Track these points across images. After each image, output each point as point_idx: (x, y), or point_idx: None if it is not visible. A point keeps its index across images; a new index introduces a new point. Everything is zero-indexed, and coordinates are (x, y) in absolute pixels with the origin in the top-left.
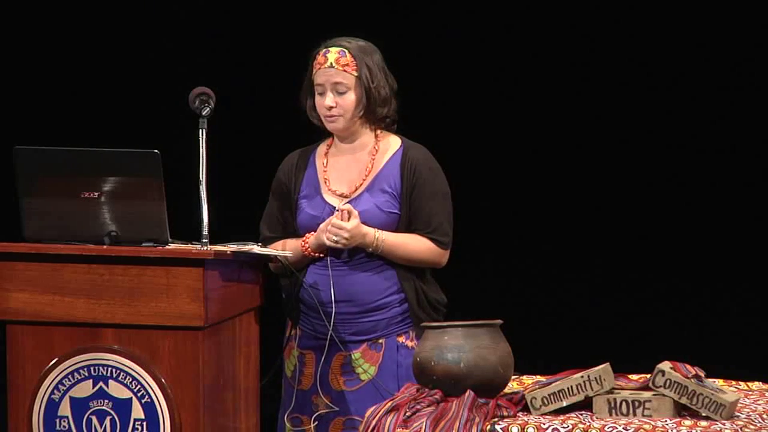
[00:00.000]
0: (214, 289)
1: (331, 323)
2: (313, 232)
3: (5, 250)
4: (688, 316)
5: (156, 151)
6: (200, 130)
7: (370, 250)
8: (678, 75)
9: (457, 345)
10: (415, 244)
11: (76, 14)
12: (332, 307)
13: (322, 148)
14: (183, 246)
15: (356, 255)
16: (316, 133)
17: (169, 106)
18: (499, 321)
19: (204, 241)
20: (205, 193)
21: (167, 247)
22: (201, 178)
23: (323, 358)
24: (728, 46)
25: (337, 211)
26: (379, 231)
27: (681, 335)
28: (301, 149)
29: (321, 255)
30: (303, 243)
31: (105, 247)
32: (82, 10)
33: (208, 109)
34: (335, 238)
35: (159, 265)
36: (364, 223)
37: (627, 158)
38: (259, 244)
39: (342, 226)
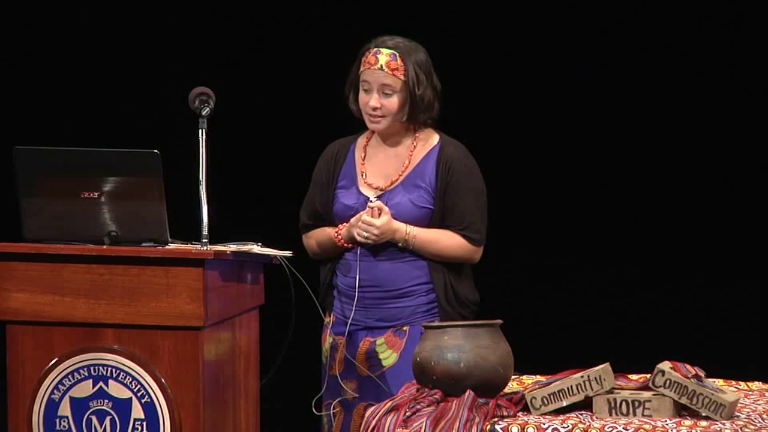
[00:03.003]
0: (214, 289)
1: (353, 308)
2: (346, 223)
3: (5, 250)
4: (688, 316)
5: (156, 151)
6: (200, 130)
7: (401, 245)
8: (680, 77)
9: (457, 345)
10: (446, 241)
11: (76, 14)
12: (355, 292)
13: (361, 141)
14: (183, 246)
15: (388, 246)
16: (319, 134)
17: (169, 106)
18: (499, 321)
19: (204, 241)
20: (205, 193)
21: (167, 247)
22: (201, 178)
23: (346, 342)
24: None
25: (368, 207)
26: (411, 227)
27: (681, 335)
28: (342, 139)
29: (352, 246)
30: (336, 233)
31: (105, 247)
32: (82, 10)
33: (208, 109)
34: (365, 234)
35: (159, 265)
36: (395, 217)
37: (627, 160)
38: (260, 244)
39: (372, 222)
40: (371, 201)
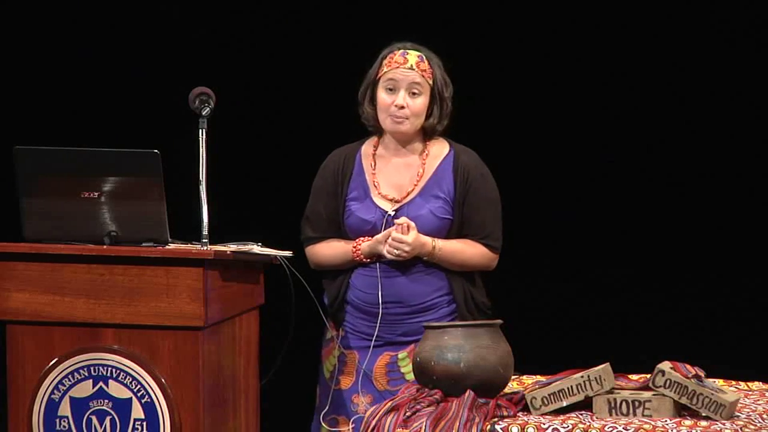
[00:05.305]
0: (214, 289)
1: (377, 325)
2: (364, 238)
3: (5, 250)
4: (688, 316)
5: (156, 151)
6: (200, 130)
7: (426, 258)
8: (678, 80)
9: (457, 345)
10: (470, 251)
11: (76, 14)
12: (380, 309)
13: (367, 149)
14: (183, 246)
15: (405, 260)
16: (320, 134)
17: (169, 106)
18: (499, 321)
19: (204, 241)
20: (205, 193)
21: (167, 247)
22: (201, 178)
23: (368, 357)
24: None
25: (396, 224)
26: (436, 240)
27: (681, 335)
28: (343, 149)
29: (369, 261)
30: (355, 249)
31: (105, 247)
32: (82, 10)
33: (208, 109)
34: (397, 252)
35: (159, 265)
36: (417, 229)
37: (627, 160)
38: (260, 244)
39: (403, 239)
40: (390, 214)
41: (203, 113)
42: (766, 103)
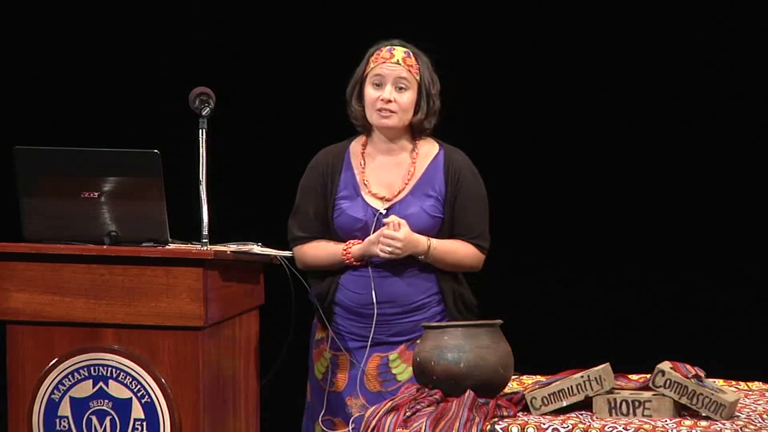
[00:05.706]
0: (214, 289)
1: (373, 325)
2: (354, 241)
3: (5, 250)
4: (688, 315)
5: (156, 151)
6: (200, 130)
7: (421, 258)
8: (678, 81)
9: (457, 345)
10: (463, 251)
11: (76, 14)
12: (374, 309)
13: (356, 148)
14: (183, 246)
15: (397, 261)
16: (320, 134)
17: (169, 106)
18: (499, 321)
19: (204, 241)
20: (205, 193)
21: (167, 247)
22: (201, 178)
23: (364, 359)
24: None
25: (385, 222)
26: (431, 239)
27: (681, 335)
28: (331, 148)
29: (360, 263)
30: (345, 251)
31: (105, 247)
32: (83, 10)
33: (208, 109)
34: (389, 249)
35: (159, 265)
36: (410, 227)
37: (627, 159)
38: (260, 244)
39: (394, 236)
40: (381, 212)
41: (203, 113)
42: (767, 103)
